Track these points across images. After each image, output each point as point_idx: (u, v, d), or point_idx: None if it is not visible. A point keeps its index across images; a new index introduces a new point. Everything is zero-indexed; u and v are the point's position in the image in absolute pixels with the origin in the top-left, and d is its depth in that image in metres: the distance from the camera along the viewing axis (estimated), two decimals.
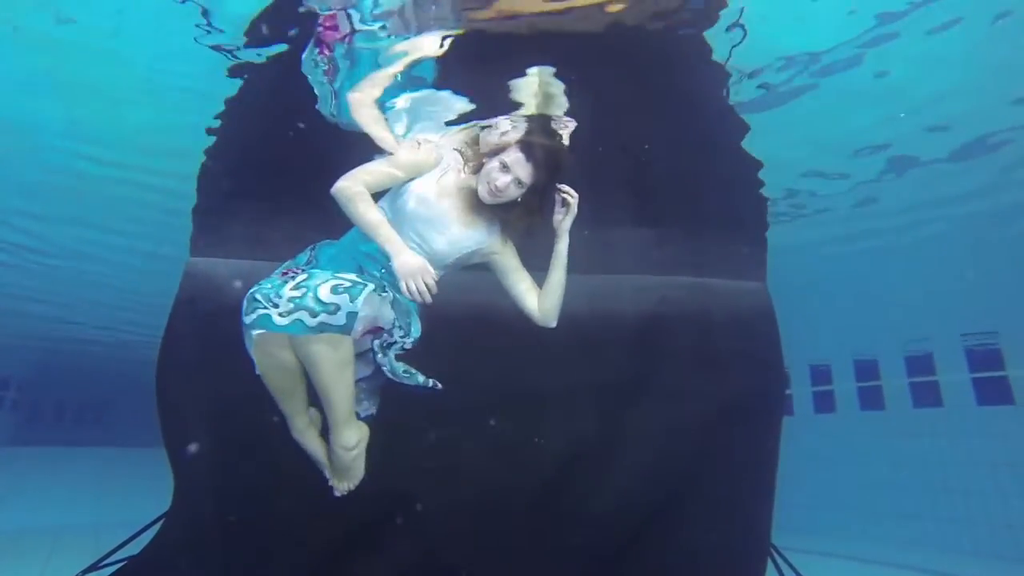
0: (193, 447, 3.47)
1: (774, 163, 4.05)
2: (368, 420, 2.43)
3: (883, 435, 7.65)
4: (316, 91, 3.32)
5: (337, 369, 1.99)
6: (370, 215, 2.18)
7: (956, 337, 7.20)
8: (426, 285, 2.07)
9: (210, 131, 3.93)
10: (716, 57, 2.98)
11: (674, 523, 3.44)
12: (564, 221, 2.33)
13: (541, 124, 2.44)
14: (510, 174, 2.18)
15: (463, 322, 3.50)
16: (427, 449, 3.44)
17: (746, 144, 3.74)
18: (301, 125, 3.63)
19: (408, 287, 2.06)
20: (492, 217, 2.35)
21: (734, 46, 2.93)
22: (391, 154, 2.43)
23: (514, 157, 2.19)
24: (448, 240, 2.32)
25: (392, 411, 3.48)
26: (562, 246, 2.33)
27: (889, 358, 7.90)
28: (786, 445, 3.93)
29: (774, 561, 3.67)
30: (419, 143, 2.43)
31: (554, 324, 2.38)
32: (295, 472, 3.36)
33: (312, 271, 2.06)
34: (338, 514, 3.26)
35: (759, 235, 4.49)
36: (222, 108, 3.64)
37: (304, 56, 3.05)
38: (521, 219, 2.31)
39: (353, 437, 2.25)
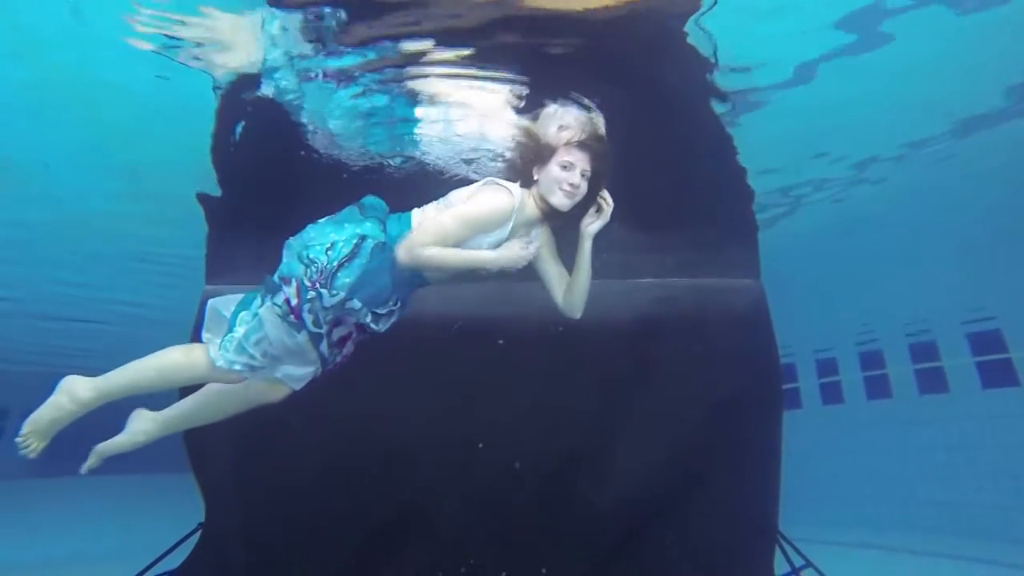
0: (218, 467, 3.63)
1: (765, 158, 4.16)
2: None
3: (892, 423, 7.70)
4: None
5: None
6: (452, 262, 2.14)
7: (958, 322, 7.26)
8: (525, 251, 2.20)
9: (216, 161, 4.11)
10: (701, 57, 3.12)
11: (681, 516, 3.53)
12: (593, 225, 2.32)
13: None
14: (575, 169, 2.19)
15: (470, 330, 3.63)
16: (437, 452, 3.58)
17: (733, 142, 3.86)
18: (301, 153, 3.83)
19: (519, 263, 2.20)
20: (556, 220, 2.35)
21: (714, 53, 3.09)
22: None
23: (573, 152, 2.20)
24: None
25: (402, 416, 3.65)
26: (587, 246, 2.34)
27: (894, 347, 7.95)
28: (796, 438, 3.96)
29: (782, 549, 3.75)
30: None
31: (578, 316, 2.41)
32: (315, 482, 3.54)
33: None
34: (358, 518, 3.43)
35: (750, 233, 4.59)
36: (226, 138, 3.84)
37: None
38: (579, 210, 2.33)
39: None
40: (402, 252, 2.08)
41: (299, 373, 2.14)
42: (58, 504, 9.41)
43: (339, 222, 2.17)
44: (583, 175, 2.22)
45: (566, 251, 2.41)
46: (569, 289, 2.38)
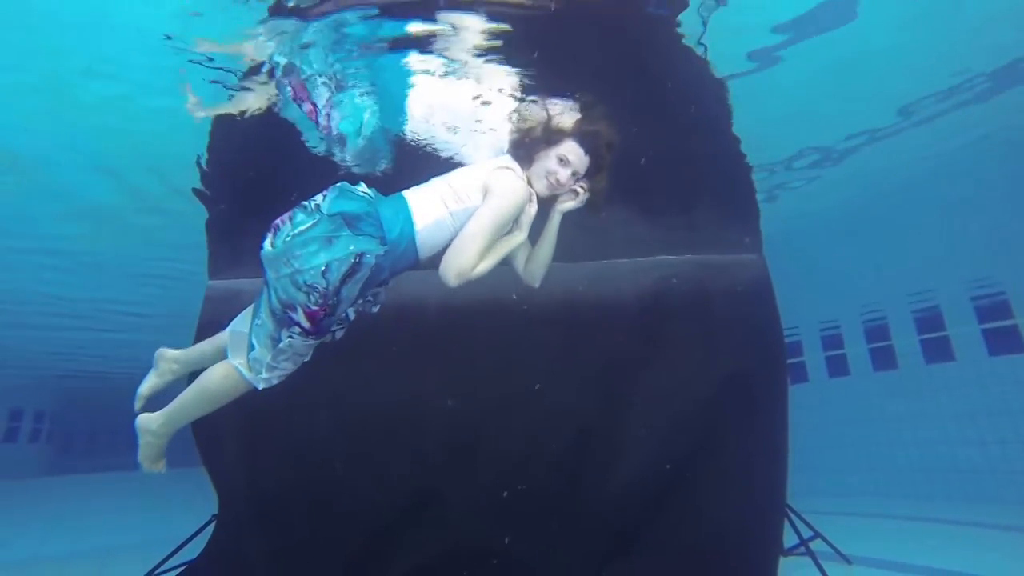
0: (229, 459, 3.67)
1: (764, 131, 4.10)
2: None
3: (899, 394, 7.71)
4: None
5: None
6: (495, 262, 2.14)
7: (963, 290, 7.23)
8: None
9: (212, 155, 4.09)
10: (691, 34, 3.08)
11: (690, 493, 3.55)
12: (567, 204, 2.31)
13: (597, 111, 2.39)
14: (570, 167, 2.18)
15: (475, 311, 3.63)
16: (445, 437, 3.62)
17: (729, 115, 3.82)
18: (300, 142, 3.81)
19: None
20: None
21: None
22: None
23: (573, 150, 2.17)
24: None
25: (410, 400, 3.67)
26: (555, 220, 2.33)
27: (899, 317, 7.93)
28: (804, 411, 3.96)
29: (791, 521, 3.78)
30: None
31: (537, 285, 2.43)
32: (328, 469, 3.58)
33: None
34: (369, 506, 3.47)
35: (751, 207, 4.56)
36: (223, 129, 3.82)
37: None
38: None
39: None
40: (455, 280, 2.06)
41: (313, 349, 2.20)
42: (73, 501, 9.57)
43: (324, 238, 2.00)
44: (574, 175, 2.21)
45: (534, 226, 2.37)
46: (531, 258, 2.41)
